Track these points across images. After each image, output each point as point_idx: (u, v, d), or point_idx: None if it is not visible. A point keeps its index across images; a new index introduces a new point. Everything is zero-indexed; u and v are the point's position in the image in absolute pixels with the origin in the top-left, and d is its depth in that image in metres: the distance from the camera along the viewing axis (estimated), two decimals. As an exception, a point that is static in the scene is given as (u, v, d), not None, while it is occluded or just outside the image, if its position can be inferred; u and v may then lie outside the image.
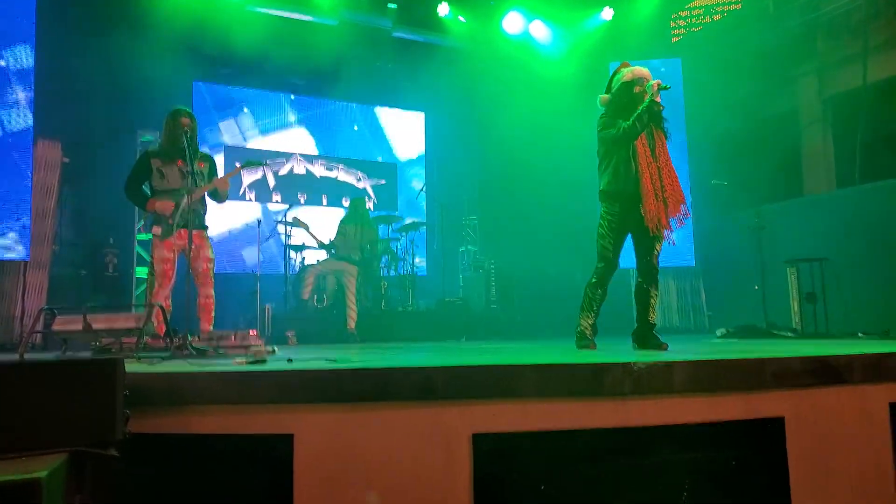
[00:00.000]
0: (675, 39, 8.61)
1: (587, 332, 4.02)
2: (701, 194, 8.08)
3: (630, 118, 3.87)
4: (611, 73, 4.20)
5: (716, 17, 8.31)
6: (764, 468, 2.48)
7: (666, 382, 2.40)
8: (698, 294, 8.19)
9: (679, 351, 3.53)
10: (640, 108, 3.85)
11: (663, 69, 8.12)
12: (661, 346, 3.80)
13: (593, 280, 4.03)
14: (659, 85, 3.83)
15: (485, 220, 9.66)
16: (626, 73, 4.03)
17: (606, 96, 4.14)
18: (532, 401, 2.28)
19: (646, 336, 3.95)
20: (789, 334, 5.73)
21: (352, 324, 6.91)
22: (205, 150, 4.92)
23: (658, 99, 3.85)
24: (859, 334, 5.35)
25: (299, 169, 9.42)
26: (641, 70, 4.03)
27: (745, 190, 7.45)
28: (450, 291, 8.71)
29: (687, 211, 3.97)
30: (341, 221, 7.64)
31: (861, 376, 2.67)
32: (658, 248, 3.99)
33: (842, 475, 2.57)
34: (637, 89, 3.96)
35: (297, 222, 7.33)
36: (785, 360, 2.58)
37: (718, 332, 6.06)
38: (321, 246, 7.33)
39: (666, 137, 4.02)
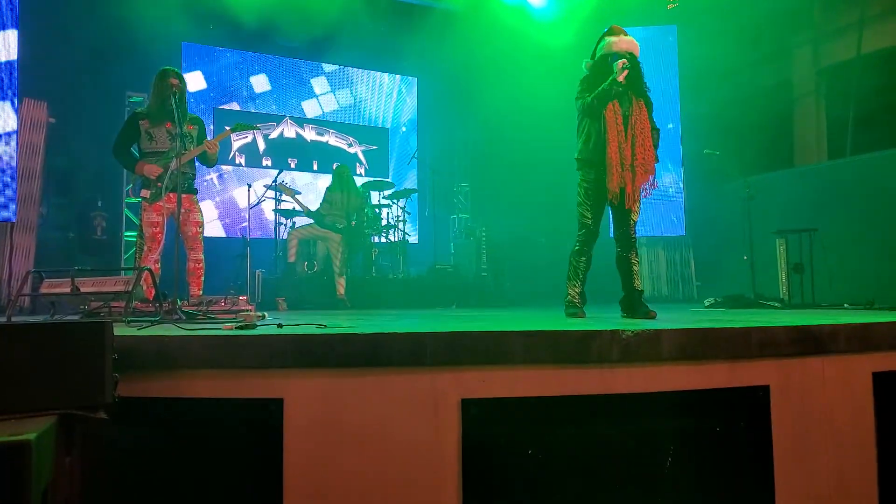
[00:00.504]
0: (670, 6, 8.49)
1: (576, 301, 4.06)
2: (693, 164, 8.08)
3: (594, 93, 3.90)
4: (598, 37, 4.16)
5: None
6: (749, 435, 2.52)
7: (653, 350, 2.43)
8: (688, 264, 8.24)
9: (667, 320, 3.56)
10: (603, 85, 3.88)
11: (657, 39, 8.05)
12: (650, 314, 3.83)
13: (576, 248, 4.07)
14: (623, 65, 3.83)
15: (477, 188, 9.62)
16: (607, 45, 4.02)
17: (590, 62, 4.14)
18: (520, 367, 2.30)
19: (633, 304, 3.97)
20: (776, 304, 5.79)
21: (341, 290, 6.92)
22: (194, 112, 4.86)
23: (621, 79, 3.84)
24: (845, 305, 5.42)
25: (290, 133, 9.32)
26: (621, 43, 4.00)
27: (737, 160, 7.46)
28: (441, 259, 8.72)
29: (654, 181, 3.99)
30: (327, 189, 7.60)
31: (845, 346, 2.72)
32: (634, 217, 4.01)
33: (825, 443, 2.63)
34: (610, 62, 3.93)
35: (283, 188, 7.28)
36: (770, 330, 2.61)
37: (706, 302, 6.12)
38: (307, 213, 7.30)
39: (648, 108, 4.02)
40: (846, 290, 5.82)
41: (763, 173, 7.52)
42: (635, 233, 4.04)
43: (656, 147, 4.03)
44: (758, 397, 2.56)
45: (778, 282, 6.22)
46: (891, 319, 3.05)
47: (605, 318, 3.78)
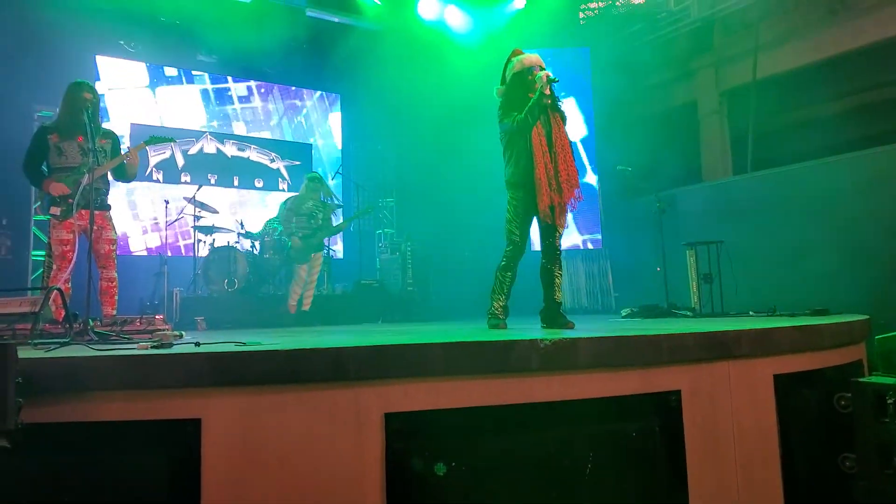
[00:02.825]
0: (581, 23, 8.85)
1: (498, 313, 4.15)
2: (607, 179, 8.41)
3: (523, 110, 3.99)
4: (504, 62, 4.28)
5: (620, 9, 8.62)
6: (662, 438, 2.63)
7: (570, 359, 2.51)
8: (606, 276, 8.53)
9: (585, 329, 3.69)
10: (531, 101, 3.97)
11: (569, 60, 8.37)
12: (568, 325, 3.96)
13: (503, 263, 4.16)
14: (548, 77, 3.95)
15: (401, 203, 9.67)
16: (517, 63, 4.15)
17: (502, 88, 4.26)
18: (443, 379, 2.33)
19: (553, 315, 4.10)
20: (688, 313, 6.08)
21: (307, 304, 6.97)
22: (106, 126, 4.69)
23: (547, 91, 3.97)
24: (750, 312, 5.74)
25: (210, 148, 9.09)
26: (531, 58, 4.15)
27: (649, 175, 7.82)
28: (367, 274, 8.69)
29: (580, 195, 4.11)
30: (298, 200, 7.14)
31: (748, 350, 2.90)
32: (560, 231, 4.15)
33: (732, 441, 2.78)
34: (530, 77, 4.06)
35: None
36: (680, 337, 2.75)
37: (623, 312, 6.35)
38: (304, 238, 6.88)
39: (563, 121, 4.15)
40: (751, 299, 6.18)
41: (673, 188, 7.91)
42: (560, 246, 4.19)
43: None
44: (670, 401, 2.69)
45: (689, 291, 6.53)
46: (789, 324, 3.28)
47: (526, 329, 3.87)
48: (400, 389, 2.28)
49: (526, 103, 4.01)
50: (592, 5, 8.80)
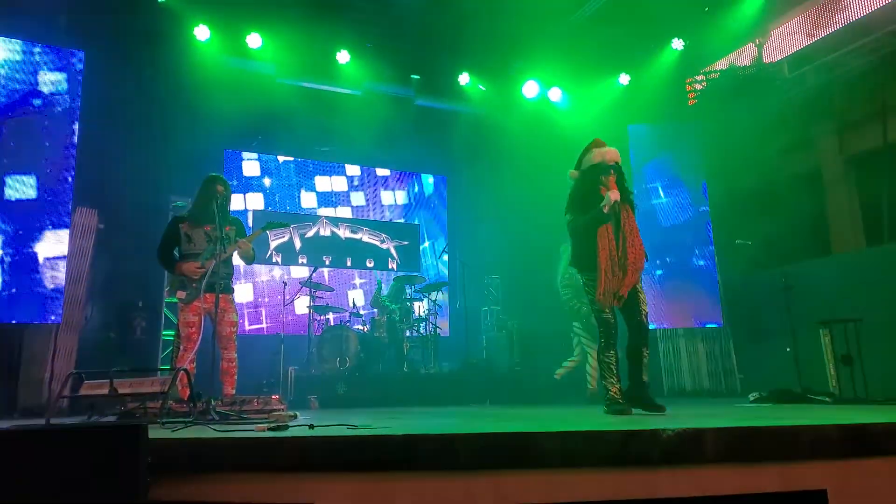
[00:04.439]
0: (691, 103, 8.72)
1: (618, 397, 4.01)
2: (725, 254, 8.01)
3: (590, 205, 4.13)
4: (582, 149, 4.40)
5: (729, 80, 8.43)
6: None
7: (696, 451, 2.32)
8: (728, 356, 7.99)
9: (710, 415, 3.43)
10: (592, 214, 4.10)
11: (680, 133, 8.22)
12: (659, 408, 3.84)
13: (601, 344, 4.15)
14: (615, 201, 4.07)
15: (507, 279, 9.66)
16: (595, 154, 4.26)
17: (576, 172, 4.37)
18: (558, 471, 2.21)
19: (641, 396, 3.99)
20: (827, 399, 5.53)
21: None
22: (234, 215, 5.04)
23: (606, 210, 4.06)
24: (900, 399, 5.16)
25: (325, 232, 9.57)
26: (610, 153, 4.24)
27: (771, 249, 7.37)
28: (473, 352, 8.63)
29: (639, 277, 4.14)
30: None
31: (904, 446, 2.56)
32: (643, 308, 4.11)
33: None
34: (603, 177, 4.17)
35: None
36: (822, 428, 2.48)
37: (751, 397, 5.87)
38: None
39: (632, 209, 4.23)
40: (899, 383, 5.56)
41: (800, 262, 7.40)
42: (647, 321, 4.13)
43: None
44: (815, 502, 2.40)
45: (825, 374, 5.95)
46: (950, 414, 2.89)
47: (643, 418, 3.65)
48: (513, 480, 2.18)
49: (594, 198, 4.13)
50: (699, 77, 8.67)
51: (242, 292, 8.73)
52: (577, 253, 4.32)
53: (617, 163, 4.22)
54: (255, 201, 9.24)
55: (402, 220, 10.20)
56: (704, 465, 2.32)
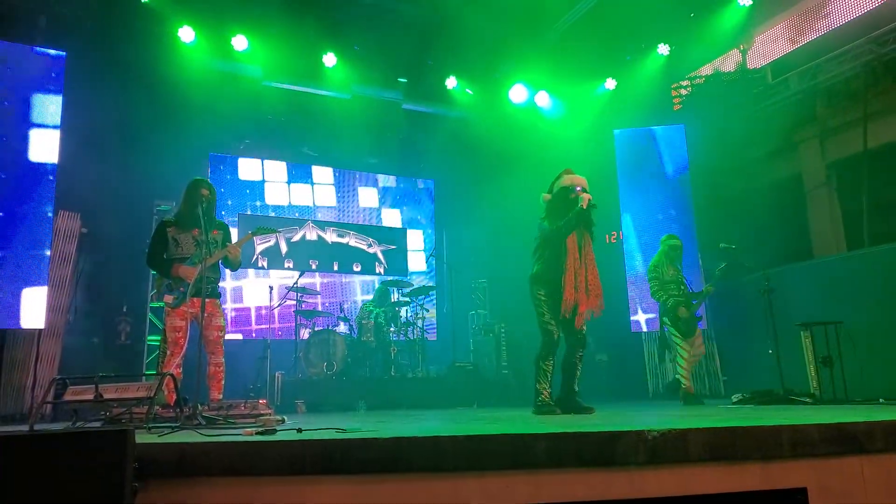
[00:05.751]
0: (676, 108, 8.81)
1: (549, 400, 4.49)
2: (710, 257, 8.08)
3: (561, 221, 4.56)
4: (554, 177, 4.86)
5: (713, 85, 8.53)
6: (788, 541, 2.39)
7: (682, 451, 2.35)
8: (713, 358, 8.06)
9: (694, 416, 3.47)
10: (570, 215, 4.52)
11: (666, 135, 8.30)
12: (588, 410, 4.30)
13: (542, 353, 4.59)
14: (588, 201, 4.49)
15: (494, 283, 9.67)
16: (565, 179, 4.73)
17: (548, 195, 4.81)
18: (544, 471, 2.23)
19: (572, 403, 4.47)
20: (808, 400, 5.60)
21: None
22: (221, 219, 5.02)
23: (584, 205, 4.48)
24: (880, 400, 5.23)
25: (311, 236, 9.55)
26: (577, 179, 4.72)
27: (755, 253, 7.46)
28: (460, 356, 8.64)
29: (602, 304, 4.59)
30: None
31: (884, 444, 2.60)
32: (583, 328, 4.59)
33: (870, 549, 2.47)
34: (572, 196, 4.61)
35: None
36: (803, 428, 2.52)
37: (734, 398, 5.93)
38: None
39: (592, 239, 4.68)
40: (879, 384, 5.64)
41: (782, 265, 7.49)
42: (585, 338, 4.63)
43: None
44: (796, 500, 2.44)
45: (806, 376, 6.03)
46: (929, 414, 2.94)
47: (628, 418, 3.68)
48: (501, 482, 2.20)
49: (568, 207, 4.55)
50: (685, 82, 8.76)
51: (229, 296, 8.69)
52: (539, 268, 4.70)
53: (585, 188, 4.63)
54: (241, 205, 9.19)
55: (388, 225, 10.20)
56: (689, 464, 2.36)
